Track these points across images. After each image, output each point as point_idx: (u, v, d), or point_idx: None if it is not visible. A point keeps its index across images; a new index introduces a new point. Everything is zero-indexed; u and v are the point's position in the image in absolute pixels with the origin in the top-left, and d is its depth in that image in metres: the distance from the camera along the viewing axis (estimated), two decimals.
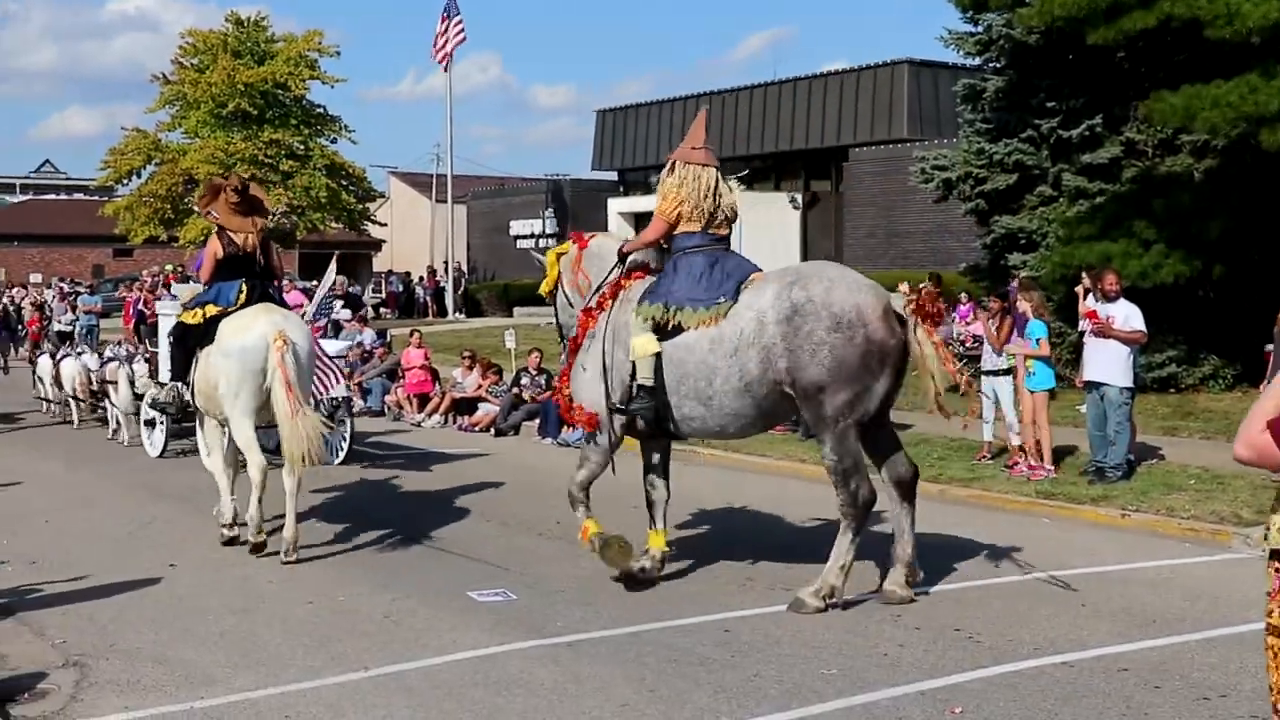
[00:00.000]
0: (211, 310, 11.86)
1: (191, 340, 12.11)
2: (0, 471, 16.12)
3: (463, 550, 11.52)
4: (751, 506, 13.65)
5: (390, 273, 55.48)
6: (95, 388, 20.99)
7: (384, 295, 50.38)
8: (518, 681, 7.80)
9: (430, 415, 21.79)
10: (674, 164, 10.10)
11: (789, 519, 12.99)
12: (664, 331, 9.64)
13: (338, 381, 15.66)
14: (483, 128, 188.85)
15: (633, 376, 9.77)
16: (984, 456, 15.62)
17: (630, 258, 10.32)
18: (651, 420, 9.82)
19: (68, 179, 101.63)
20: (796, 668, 8.02)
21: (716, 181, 9.95)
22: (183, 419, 16.08)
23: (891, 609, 9.34)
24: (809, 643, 8.55)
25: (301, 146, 47.53)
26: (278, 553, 11.28)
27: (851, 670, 7.97)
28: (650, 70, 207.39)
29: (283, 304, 12.57)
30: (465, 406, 21.52)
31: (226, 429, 11.91)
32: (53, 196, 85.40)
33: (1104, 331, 14.02)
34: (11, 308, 40.33)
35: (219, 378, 11.45)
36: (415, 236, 62.71)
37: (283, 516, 11.38)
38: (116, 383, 19.12)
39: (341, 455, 16.72)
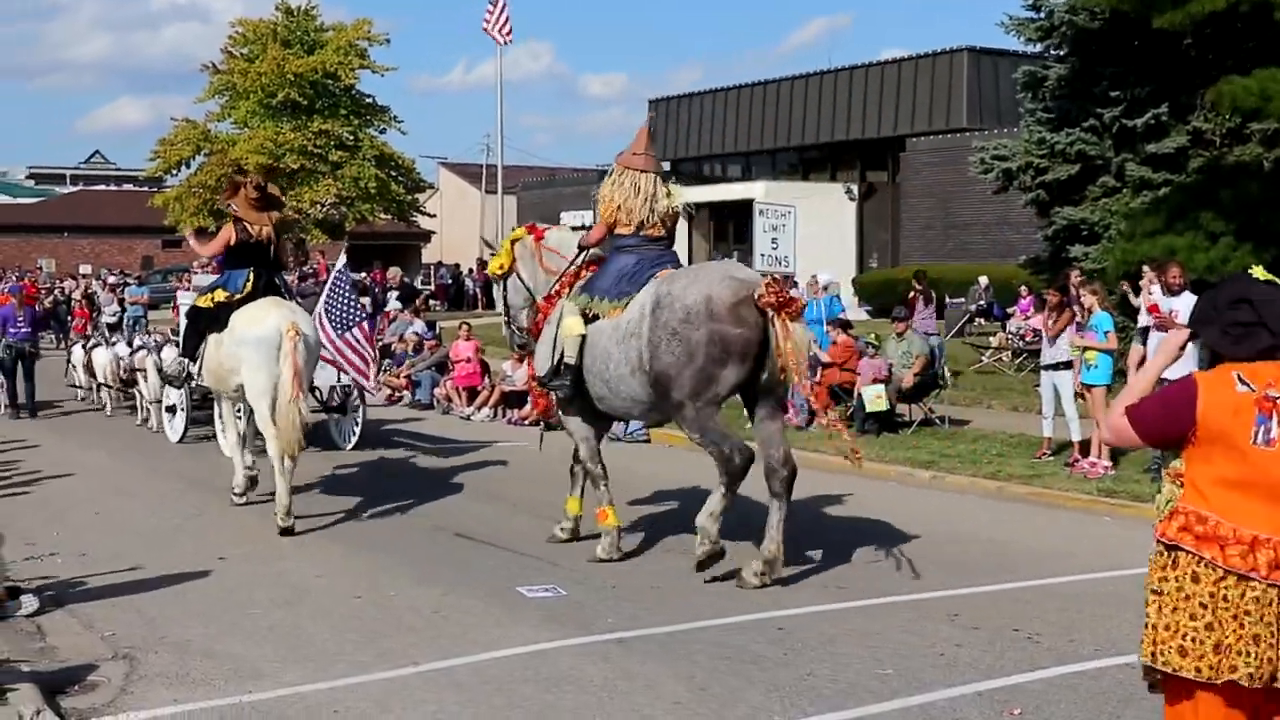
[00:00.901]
0: (221, 296, 13.19)
1: (202, 323, 13.45)
2: (49, 463, 16.33)
3: (512, 545, 11.55)
4: (805, 503, 13.60)
5: (439, 264, 55.72)
6: (125, 375, 21.45)
7: (433, 287, 50.58)
8: (567, 678, 7.82)
9: (479, 408, 21.85)
10: (616, 170, 11.11)
11: (844, 516, 12.96)
12: (589, 319, 10.73)
13: (367, 367, 16.52)
14: (533, 117, 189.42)
15: (561, 356, 10.86)
16: (1044, 453, 15.51)
17: (589, 251, 11.35)
18: (569, 395, 10.94)
19: (117, 170, 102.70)
20: (852, 667, 7.99)
21: (655, 187, 10.85)
22: (202, 404, 16.93)
23: (948, 610, 9.29)
24: (864, 642, 8.53)
25: (351, 137, 47.79)
26: (322, 545, 11.36)
27: (908, 670, 7.93)
28: (703, 59, 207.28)
29: (289, 294, 13.83)
30: (515, 400, 21.55)
31: (236, 406, 13.56)
32: (102, 187, 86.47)
33: (1165, 326, 13.89)
34: (62, 298, 40.88)
35: (238, 364, 12.72)
36: (465, 228, 62.91)
37: (329, 513, 11.49)
38: (145, 371, 19.63)
39: (353, 441, 17.51)
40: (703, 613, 9.22)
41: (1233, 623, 4.72)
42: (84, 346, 23.73)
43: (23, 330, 22.21)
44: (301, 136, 46.24)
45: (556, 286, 11.33)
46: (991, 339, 25.60)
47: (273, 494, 12.38)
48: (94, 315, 37.13)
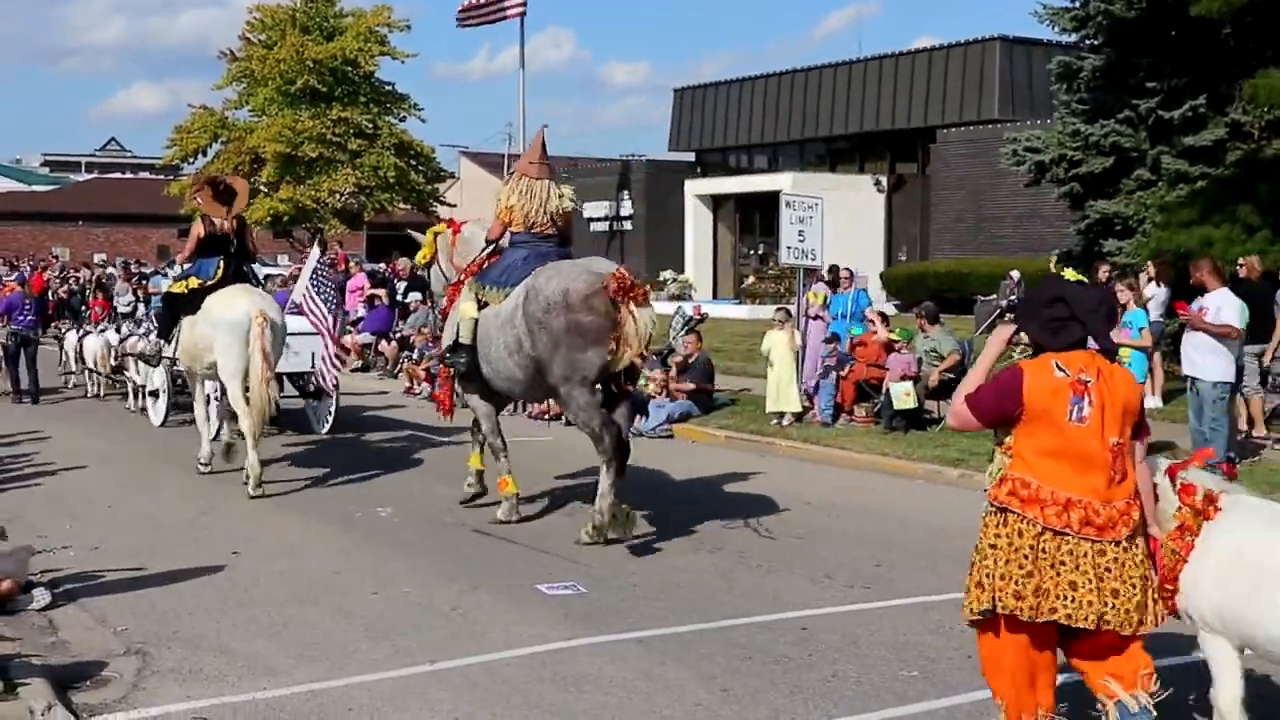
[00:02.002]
0: (194, 283, 14.90)
1: (177, 307, 15.25)
2: (61, 454, 16.39)
3: (530, 542, 11.57)
4: (831, 500, 13.59)
5: None
6: (115, 362, 22.35)
7: None
8: (586, 678, 7.82)
9: None
10: (514, 175, 12.89)
11: (870, 513, 12.92)
12: (481, 306, 12.23)
13: (337, 360, 17.54)
14: (555, 106, 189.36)
15: (457, 336, 12.37)
16: None
17: (494, 245, 12.70)
18: (469, 374, 12.48)
19: (133, 157, 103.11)
20: (877, 668, 7.98)
21: (546, 191, 12.42)
22: (184, 389, 17.91)
23: None
24: (890, 642, 8.51)
25: (370, 125, 47.88)
26: (338, 541, 11.39)
27: (934, 672, 7.92)
28: (728, 47, 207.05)
29: (256, 281, 15.75)
30: None
31: (205, 384, 15.43)
32: (118, 175, 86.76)
33: (1194, 324, 13.85)
34: (76, 288, 41.02)
35: (210, 344, 14.38)
36: (486, 219, 63.02)
37: (345, 508, 11.53)
38: (135, 357, 20.29)
39: (328, 425, 18.49)
40: (724, 612, 9.22)
41: (1050, 571, 5.84)
42: (77, 334, 24.78)
43: (28, 318, 23.41)
44: (320, 124, 46.33)
45: (461, 275, 12.89)
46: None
47: (281, 487, 12.41)
48: (112, 305, 37.26)
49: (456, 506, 13.11)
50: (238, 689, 7.67)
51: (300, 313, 17.22)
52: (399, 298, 29.75)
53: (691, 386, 19.49)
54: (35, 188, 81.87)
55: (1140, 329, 14.62)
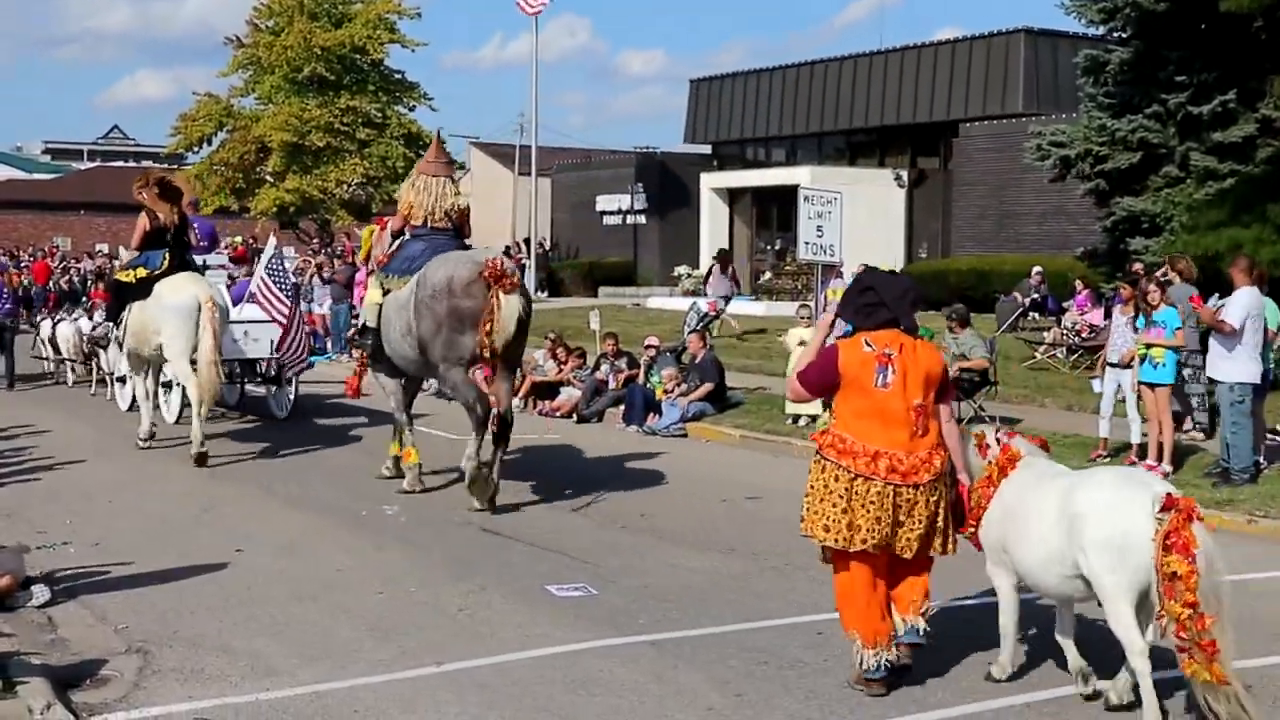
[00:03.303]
0: (142, 273, 16.41)
1: (124, 294, 16.88)
2: (60, 448, 16.41)
3: (540, 542, 11.57)
4: None
5: (470, 248, 55.75)
6: (87, 349, 23.51)
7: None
8: (597, 681, 7.83)
9: None
10: (414, 173, 14.54)
11: None
12: (386, 292, 13.78)
13: (303, 347, 18.57)
14: (568, 96, 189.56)
15: (363, 319, 14.22)
16: (1100, 454, 15.43)
17: (399, 238, 14.12)
18: (376, 355, 14.25)
19: (137, 146, 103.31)
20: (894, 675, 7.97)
21: (443, 188, 13.99)
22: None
23: (997, 617, 9.23)
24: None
25: (379, 114, 47.92)
26: (343, 539, 11.40)
27: (953, 678, 7.91)
28: (746, 37, 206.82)
29: (199, 270, 17.13)
30: (546, 391, 21.58)
31: (148, 366, 17.12)
32: (121, 164, 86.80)
33: (1215, 325, 13.85)
34: (78, 279, 41.11)
35: (160, 326, 16.01)
36: (497, 210, 62.95)
37: (350, 505, 11.53)
38: (106, 345, 21.33)
39: (288, 410, 19.70)
40: (738, 615, 9.23)
41: (860, 510, 7.36)
42: (50, 322, 25.90)
43: (5, 307, 24.81)
44: (328, 113, 46.39)
45: (373, 265, 14.46)
46: (1045, 334, 25.43)
47: (284, 484, 12.43)
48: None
49: (464, 505, 13.13)
50: (240, 689, 7.69)
51: (255, 301, 18.53)
52: None
53: (699, 394, 19.30)
54: (36, 176, 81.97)
55: (1175, 329, 14.56)
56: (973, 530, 7.73)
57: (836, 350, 7.58)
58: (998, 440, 7.82)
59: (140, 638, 8.66)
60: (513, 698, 7.54)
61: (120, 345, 18.22)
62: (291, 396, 19.75)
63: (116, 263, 20.23)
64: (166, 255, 16.34)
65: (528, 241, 50.17)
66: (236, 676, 7.94)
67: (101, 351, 22.18)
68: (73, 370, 24.66)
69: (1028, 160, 26.05)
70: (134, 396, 19.42)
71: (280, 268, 18.71)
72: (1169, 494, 6.88)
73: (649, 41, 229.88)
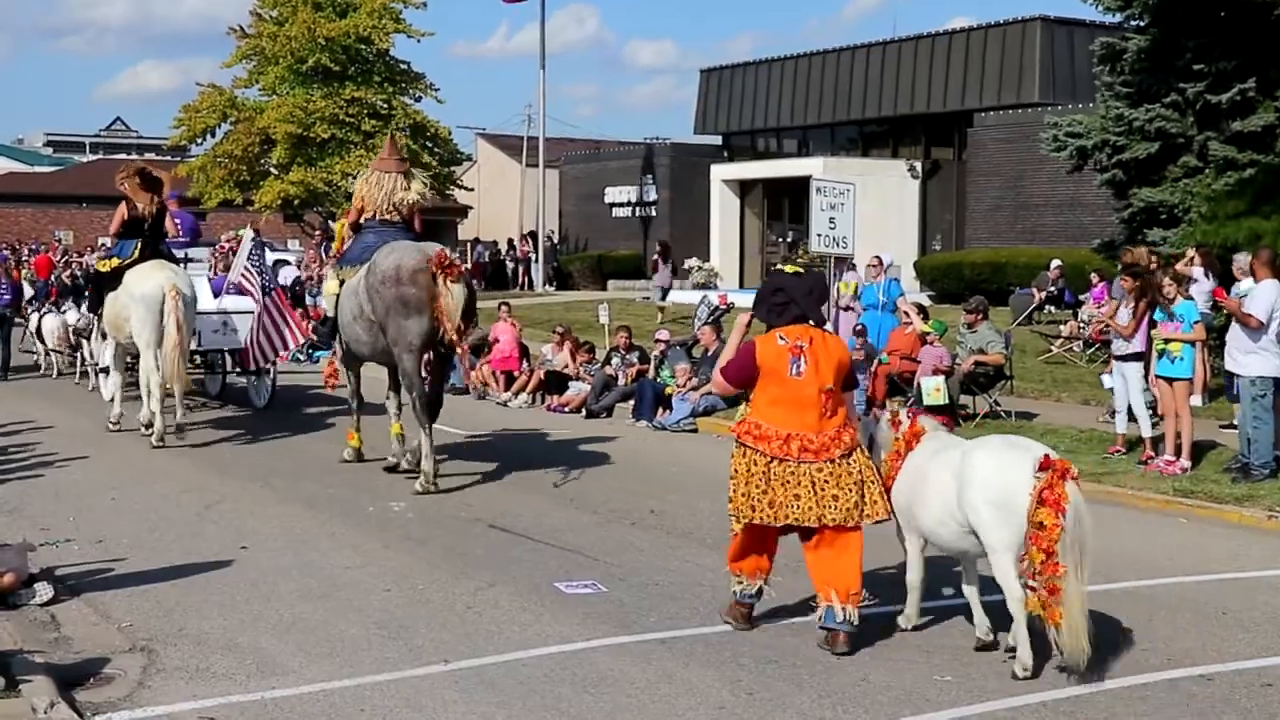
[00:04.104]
0: (115, 262, 17.21)
1: (102, 284, 17.64)
2: (63, 444, 16.43)
3: (549, 538, 11.59)
4: None
5: (477, 241, 55.76)
6: (73, 341, 24.20)
7: (470, 265, 50.67)
8: (607, 679, 7.85)
9: (517, 394, 21.90)
10: (368, 170, 15.58)
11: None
12: (342, 282, 14.84)
13: (288, 340, 18.91)
14: (576, 87, 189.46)
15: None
16: (1118, 450, 15.42)
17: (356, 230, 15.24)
18: (326, 338, 16.02)
19: (139, 138, 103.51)
20: (908, 673, 7.99)
21: (393, 183, 14.94)
22: (133, 365, 18.81)
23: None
24: (923, 646, 8.52)
25: (384, 105, 47.80)
26: (351, 536, 11.44)
27: (968, 678, 7.92)
28: (757, 27, 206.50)
29: (174, 260, 17.73)
30: (555, 385, 21.59)
31: (119, 351, 17.85)
32: (123, 156, 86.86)
33: (1236, 315, 13.83)
34: (80, 273, 41.18)
35: (129, 314, 16.66)
36: (504, 203, 62.98)
37: (358, 502, 11.54)
38: (89, 336, 22.09)
39: (266, 399, 20.15)
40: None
41: (780, 488, 8.31)
42: (39, 314, 26.54)
43: (4, 299, 25.62)
44: (332, 104, 46.29)
45: (332, 256, 15.75)
46: (1062, 327, 25.40)
47: (288, 480, 12.44)
48: None
49: (473, 502, 13.16)
50: (247, 688, 7.71)
51: (241, 293, 19.03)
52: None
53: (710, 389, 19.33)
54: (37, 169, 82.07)
55: (1194, 323, 14.54)
56: (887, 497, 8.63)
57: (754, 345, 8.53)
58: (908, 416, 8.94)
59: (144, 636, 8.69)
60: (521, 696, 7.56)
61: (103, 335, 19.07)
62: (270, 386, 20.21)
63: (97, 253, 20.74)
64: (139, 245, 17.01)
65: (535, 234, 50.20)
66: (242, 675, 7.96)
67: (85, 342, 22.82)
68: (59, 362, 25.21)
69: (1044, 151, 25.97)
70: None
71: (260, 259, 19.08)
72: (1047, 455, 7.80)
73: (658, 31, 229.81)
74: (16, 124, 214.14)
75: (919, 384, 17.43)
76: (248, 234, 20.53)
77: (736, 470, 8.44)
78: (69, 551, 11.00)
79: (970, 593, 8.63)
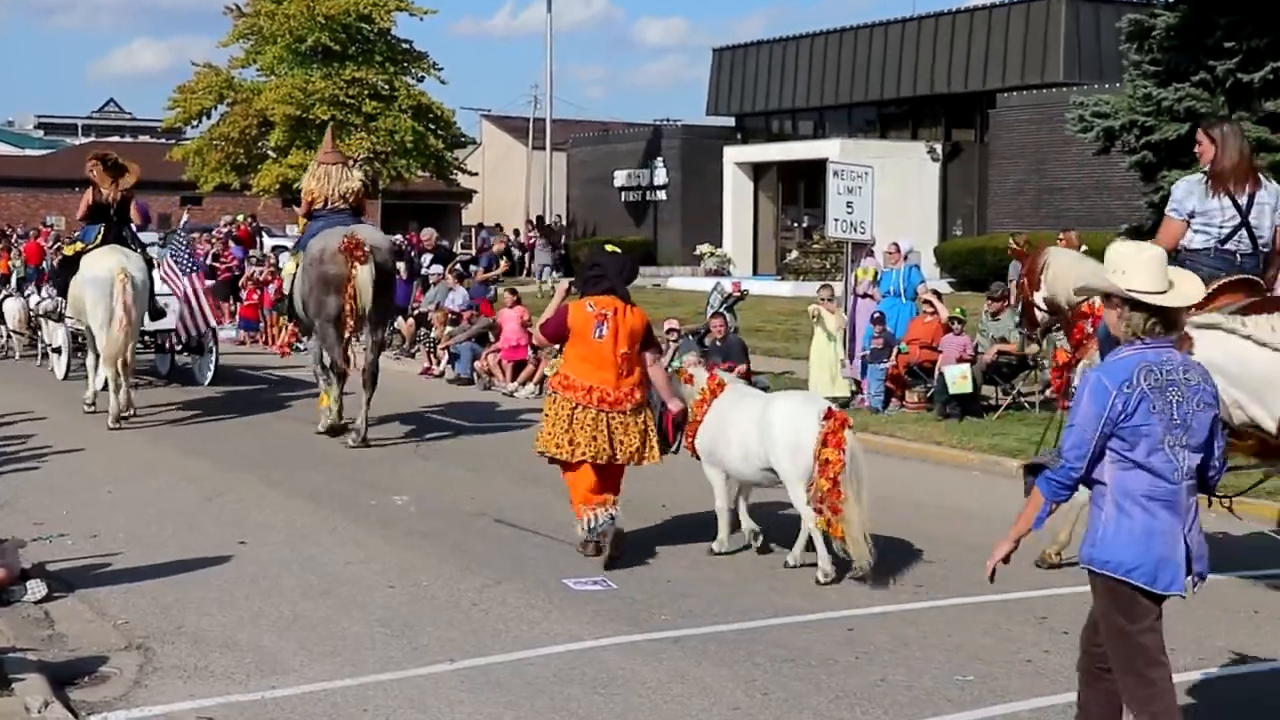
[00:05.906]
0: (79, 246, 18.55)
1: (67, 268, 18.73)
2: (58, 436, 16.46)
3: (557, 534, 11.57)
4: (878, 491, 13.54)
5: (481, 226, 55.75)
6: (33, 324, 25.29)
7: (474, 251, 50.61)
8: (617, 679, 7.87)
9: (524, 384, 21.85)
10: (313, 164, 17.84)
11: (921, 506, 12.90)
12: (298, 265, 16.77)
13: (204, 321, 20.92)
14: (584, 68, 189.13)
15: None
16: None
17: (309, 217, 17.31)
18: (286, 311, 18.74)
19: (133, 120, 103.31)
20: (928, 673, 8.00)
21: (338, 173, 17.10)
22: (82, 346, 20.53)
23: (1035, 612, 9.27)
24: (943, 645, 8.53)
25: (386, 86, 47.73)
26: (353, 531, 11.46)
27: (990, 677, 7.93)
28: (772, 4, 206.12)
29: (138, 247, 18.95)
30: None
31: (68, 333, 20.41)
32: (116, 139, 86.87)
33: None
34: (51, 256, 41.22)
35: (84, 298, 17.83)
36: (510, 187, 63.00)
37: (361, 497, 11.55)
38: (49, 319, 23.38)
39: (209, 377, 21.68)
40: (765, 611, 9.26)
41: (580, 430, 10.32)
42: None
43: None
44: (332, 85, 46.23)
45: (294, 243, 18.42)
46: None
47: (290, 473, 12.46)
48: None
49: (478, 495, 13.19)
50: (246, 687, 7.74)
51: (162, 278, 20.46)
52: (422, 270, 29.82)
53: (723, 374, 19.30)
54: (28, 151, 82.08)
55: None
56: (690, 440, 10.80)
57: (567, 309, 10.64)
58: (705, 372, 11.07)
59: (141, 633, 8.72)
60: (528, 696, 7.58)
61: (61, 318, 21.32)
62: (212, 365, 21.80)
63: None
64: (101, 230, 18.31)
65: (541, 219, 50.18)
66: (242, 674, 7.99)
67: (43, 324, 24.21)
68: (18, 344, 26.21)
69: (1069, 132, 26.02)
70: (67, 365, 22.41)
71: (184, 246, 21.30)
72: (830, 408, 10.13)
73: (669, 8, 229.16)
74: (7, 106, 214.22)
75: (941, 373, 17.42)
76: (183, 219, 21.97)
77: (547, 414, 10.58)
78: (63, 546, 11.03)
79: (742, 509, 10.99)
